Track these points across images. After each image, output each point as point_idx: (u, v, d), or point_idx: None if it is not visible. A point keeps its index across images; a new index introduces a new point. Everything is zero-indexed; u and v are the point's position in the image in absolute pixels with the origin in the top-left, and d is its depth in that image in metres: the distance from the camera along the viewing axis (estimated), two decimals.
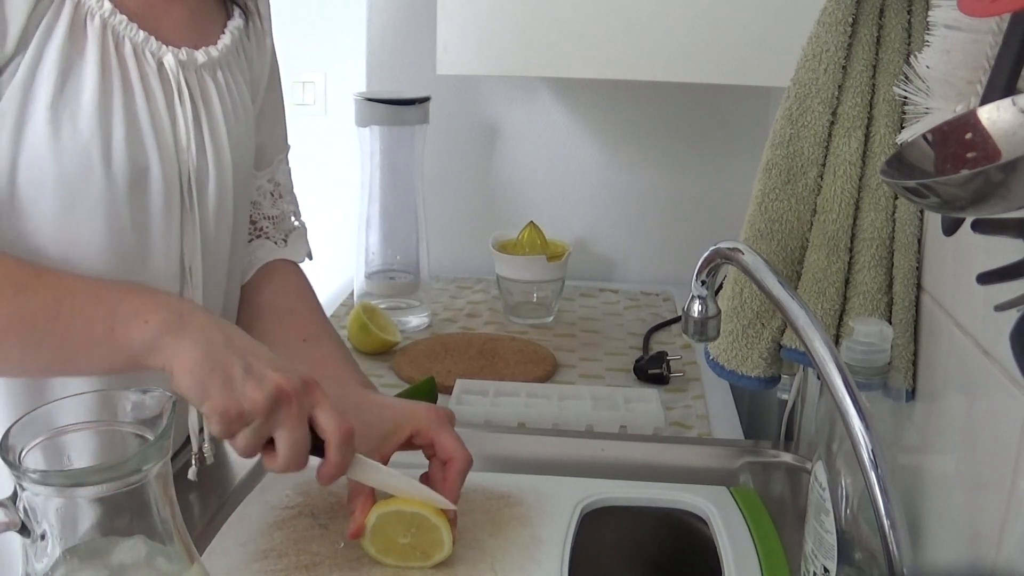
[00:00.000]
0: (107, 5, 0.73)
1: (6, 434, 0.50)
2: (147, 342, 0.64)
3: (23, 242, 0.73)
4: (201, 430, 0.88)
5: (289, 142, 1.02)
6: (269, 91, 0.95)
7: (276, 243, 0.97)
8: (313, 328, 0.92)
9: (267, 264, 0.96)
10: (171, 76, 0.77)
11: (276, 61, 0.96)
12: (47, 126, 0.70)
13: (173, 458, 0.93)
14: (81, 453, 0.55)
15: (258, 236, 0.96)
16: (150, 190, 0.76)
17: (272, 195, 0.97)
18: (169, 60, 0.77)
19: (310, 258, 1.01)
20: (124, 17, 0.74)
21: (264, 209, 0.97)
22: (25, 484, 0.49)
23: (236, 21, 0.86)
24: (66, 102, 0.71)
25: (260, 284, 0.95)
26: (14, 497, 0.50)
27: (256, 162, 0.94)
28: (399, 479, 0.75)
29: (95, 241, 0.74)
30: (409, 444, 0.80)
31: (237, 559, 0.78)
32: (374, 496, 0.77)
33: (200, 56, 0.80)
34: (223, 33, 0.84)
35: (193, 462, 0.89)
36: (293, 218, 1.00)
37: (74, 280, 0.69)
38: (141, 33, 0.75)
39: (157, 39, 0.77)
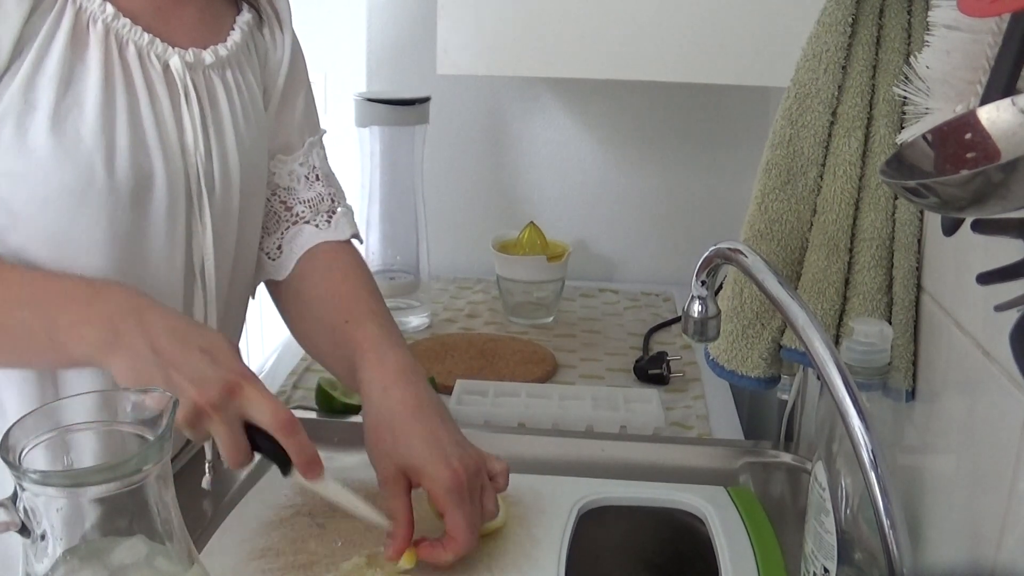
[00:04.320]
0: (110, 9, 0.73)
1: (6, 434, 0.50)
2: (86, 355, 0.67)
3: (24, 249, 0.73)
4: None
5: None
6: (291, 76, 0.92)
7: (318, 226, 0.93)
8: (357, 308, 0.87)
9: (311, 250, 0.92)
10: (177, 78, 0.77)
11: (299, 48, 0.93)
12: (49, 135, 0.70)
13: (177, 455, 0.93)
14: (81, 453, 0.55)
15: (295, 223, 0.93)
16: (154, 196, 0.76)
17: (307, 178, 0.93)
18: (175, 62, 0.76)
19: (359, 239, 0.96)
20: (127, 21, 0.74)
21: (299, 193, 0.93)
22: (25, 484, 0.49)
23: (245, 16, 0.85)
24: (68, 110, 0.70)
25: (305, 274, 0.91)
26: (14, 497, 0.50)
27: (285, 147, 0.92)
28: (351, 500, 0.73)
29: (96, 247, 0.74)
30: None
31: (235, 558, 0.78)
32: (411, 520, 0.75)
33: (208, 56, 0.80)
34: (232, 30, 0.83)
35: (207, 470, 0.88)
36: (335, 201, 0.95)
37: (22, 286, 0.70)
38: (146, 36, 0.75)
39: (164, 41, 0.76)
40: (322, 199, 0.94)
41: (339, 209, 0.95)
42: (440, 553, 0.74)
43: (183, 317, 0.71)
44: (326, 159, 0.97)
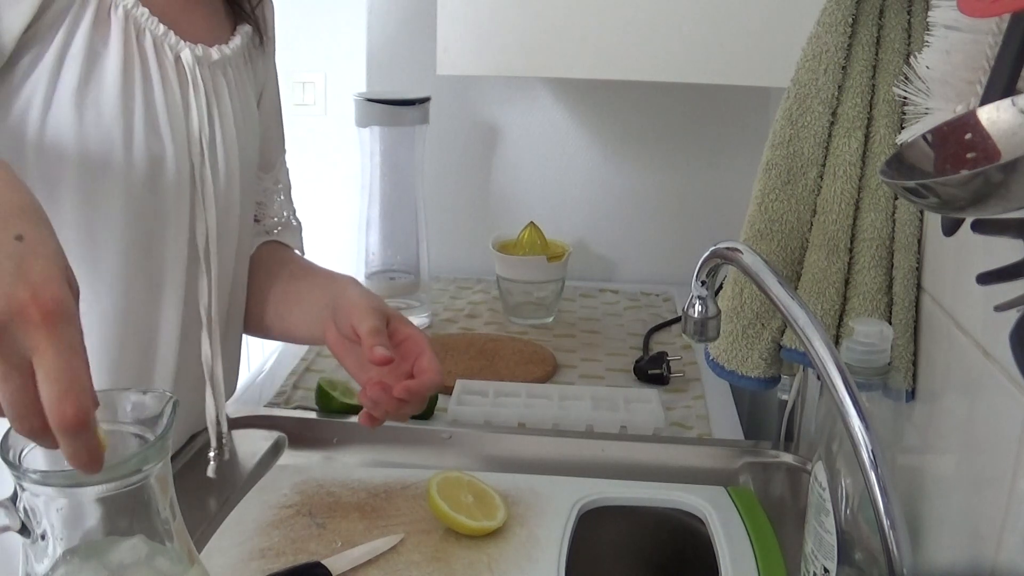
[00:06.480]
0: None
1: (6, 434, 0.50)
2: None
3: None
4: (218, 422, 0.88)
5: (289, 143, 1.05)
6: (274, 94, 1.00)
7: (268, 232, 1.01)
8: (305, 264, 0.98)
9: (259, 246, 1.00)
10: (187, 70, 0.80)
11: (275, 69, 1.00)
12: (72, 109, 0.73)
13: (178, 455, 0.93)
14: None
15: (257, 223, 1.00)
16: (165, 176, 0.79)
17: (276, 195, 1.01)
18: (186, 55, 0.80)
19: (301, 252, 1.04)
20: (146, 10, 0.77)
21: (268, 208, 1.01)
22: (25, 484, 0.49)
23: (246, 27, 0.90)
24: (91, 87, 0.74)
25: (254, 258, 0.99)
26: (14, 497, 0.50)
27: (263, 164, 0.98)
28: None
29: (115, 227, 0.77)
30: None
31: (235, 558, 0.78)
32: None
33: (214, 53, 0.84)
34: (234, 35, 0.88)
35: (212, 459, 0.90)
36: (292, 216, 1.04)
37: None
38: (161, 27, 0.78)
39: (176, 34, 0.80)
40: (284, 213, 1.02)
41: (293, 222, 1.03)
42: (418, 385, 0.77)
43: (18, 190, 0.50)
44: (288, 175, 1.04)
